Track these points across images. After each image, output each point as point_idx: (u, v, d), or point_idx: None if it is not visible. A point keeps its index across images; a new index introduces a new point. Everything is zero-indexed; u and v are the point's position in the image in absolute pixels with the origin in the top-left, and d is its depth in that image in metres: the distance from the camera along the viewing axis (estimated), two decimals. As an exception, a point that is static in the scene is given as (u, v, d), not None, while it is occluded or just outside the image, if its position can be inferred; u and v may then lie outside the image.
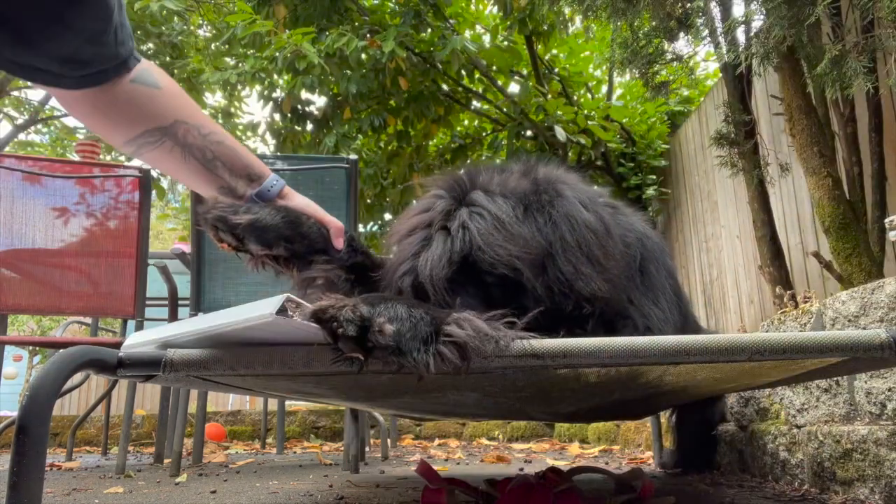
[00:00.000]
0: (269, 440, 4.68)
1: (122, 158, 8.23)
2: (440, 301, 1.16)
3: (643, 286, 1.38)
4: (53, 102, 9.88)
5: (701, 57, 7.15)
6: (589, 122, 5.31)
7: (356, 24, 5.66)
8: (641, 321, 1.30)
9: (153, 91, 1.19)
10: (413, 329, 0.90)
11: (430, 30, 5.58)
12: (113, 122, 1.19)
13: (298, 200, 1.35)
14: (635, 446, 3.44)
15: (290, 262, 1.31)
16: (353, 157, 2.88)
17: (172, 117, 1.21)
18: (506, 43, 5.81)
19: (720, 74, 4.02)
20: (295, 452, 4.05)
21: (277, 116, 5.99)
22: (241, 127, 7.48)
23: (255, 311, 0.82)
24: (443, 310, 1.01)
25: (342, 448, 3.55)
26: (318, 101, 6.10)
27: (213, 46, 7.09)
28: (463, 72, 5.57)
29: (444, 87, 5.85)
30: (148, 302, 3.20)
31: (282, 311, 0.81)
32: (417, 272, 1.19)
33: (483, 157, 6.69)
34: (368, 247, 1.49)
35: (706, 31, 3.28)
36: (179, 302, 3.27)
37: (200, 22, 8.33)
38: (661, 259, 1.46)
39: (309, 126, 5.97)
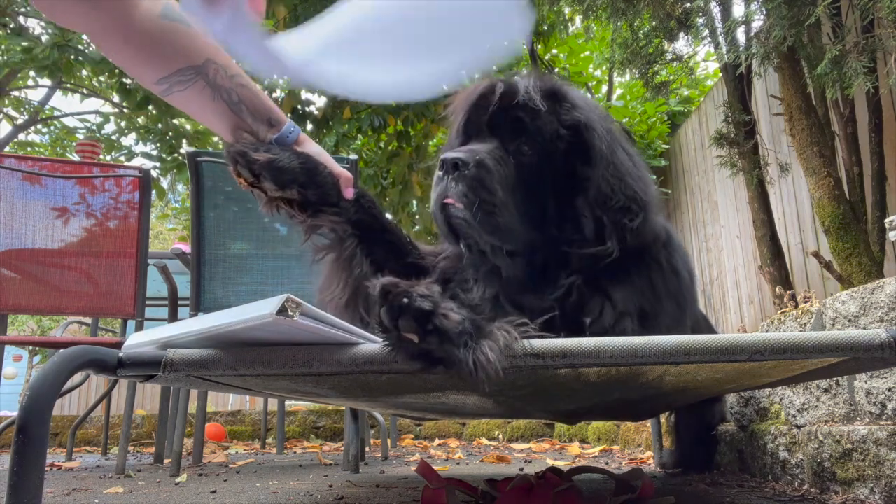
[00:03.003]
0: (269, 440, 4.68)
1: (122, 159, 8.23)
2: None
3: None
4: (53, 102, 9.90)
5: (701, 57, 7.16)
6: (589, 122, 5.31)
7: (356, 23, 5.65)
8: (622, 304, 1.31)
9: (185, 28, 1.20)
10: (462, 323, 0.92)
11: (430, 30, 5.58)
12: (146, 58, 1.19)
13: (313, 147, 1.40)
14: (635, 446, 3.44)
15: (302, 207, 1.36)
16: (353, 157, 2.88)
17: (204, 56, 1.22)
18: (506, 43, 5.81)
19: (720, 74, 4.02)
20: (295, 452, 4.05)
21: (277, 116, 5.98)
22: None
23: (256, 312, 0.82)
24: (475, 294, 1.02)
25: (342, 448, 3.55)
26: (318, 101, 6.11)
27: (213, 46, 7.08)
28: (463, 72, 5.57)
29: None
30: (148, 302, 3.20)
31: (282, 311, 0.81)
32: None
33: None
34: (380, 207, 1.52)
35: (706, 31, 3.28)
36: (179, 302, 3.27)
37: (200, 22, 8.31)
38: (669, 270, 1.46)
39: (309, 126, 5.97)
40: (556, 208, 1.36)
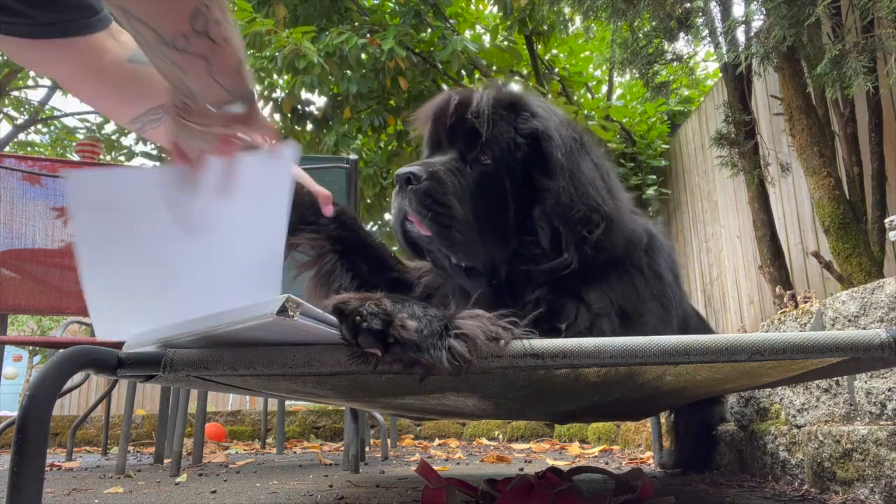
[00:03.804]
0: (269, 440, 4.68)
1: (122, 159, 8.23)
2: None
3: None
4: (53, 102, 9.90)
5: (701, 57, 7.16)
6: (589, 122, 5.31)
7: (356, 23, 5.66)
8: (598, 305, 1.31)
9: (151, 69, 1.19)
10: (429, 326, 0.91)
11: (430, 30, 5.58)
12: (118, 100, 1.21)
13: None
14: (635, 446, 3.44)
15: None
16: (353, 156, 2.88)
17: None
18: (506, 43, 5.82)
19: (720, 74, 4.02)
20: (295, 452, 4.05)
21: (277, 116, 6.00)
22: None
23: (256, 311, 0.82)
24: (452, 310, 1.02)
25: (342, 448, 3.55)
26: (318, 101, 6.11)
27: (213, 46, 7.09)
28: (463, 72, 5.58)
29: (445, 87, 5.86)
30: (148, 302, 3.19)
31: (282, 311, 0.81)
32: None
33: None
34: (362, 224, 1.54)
35: (706, 31, 3.28)
36: (179, 302, 3.26)
37: (200, 22, 8.32)
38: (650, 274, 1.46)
39: (309, 126, 5.97)
40: (516, 220, 1.35)
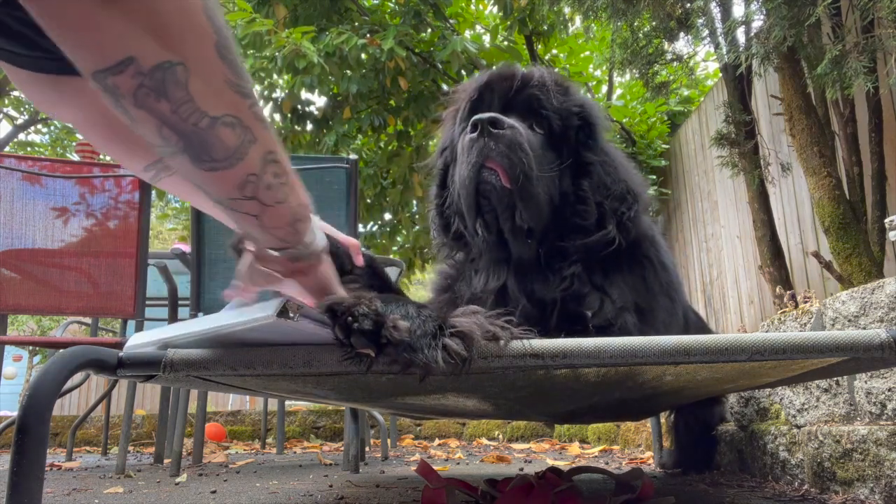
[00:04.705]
0: (269, 440, 4.68)
1: (122, 158, 8.21)
2: None
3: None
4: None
5: (701, 57, 7.16)
6: (589, 122, 5.31)
7: (356, 23, 5.66)
8: (619, 299, 1.34)
9: None
10: (422, 326, 0.91)
11: (430, 30, 5.58)
12: (131, 148, 1.19)
13: (315, 220, 1.38)
14: (635, 446, 3.44)
15: None
16: (353, 157, 2.88)
17: None
18: (506, 43, 5.82)
19: (720, 74, 4.02)
20: (295, 452, 4.05)
21: (277, 116, 6.00)
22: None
23: (257, 313, 0.82)
24: (447, 310, 1.02)
25: (342, 448, 3.55)
26: (318, 101, 6.11)
27: (213, 46, 7.08)
28: (463, 72, 5.58)
29: (445, 87, 5.86)
30: (148, 302, 3.20)
31: (282, 312, 0.81)
32: None
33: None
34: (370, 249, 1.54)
35: (706, 32, 3.28)
36: (179, 302, 3.27)
37: (200, 22, 8.32)
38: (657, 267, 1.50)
39: (309, 126, 5.97)
40: (570, 189, 1.40)
